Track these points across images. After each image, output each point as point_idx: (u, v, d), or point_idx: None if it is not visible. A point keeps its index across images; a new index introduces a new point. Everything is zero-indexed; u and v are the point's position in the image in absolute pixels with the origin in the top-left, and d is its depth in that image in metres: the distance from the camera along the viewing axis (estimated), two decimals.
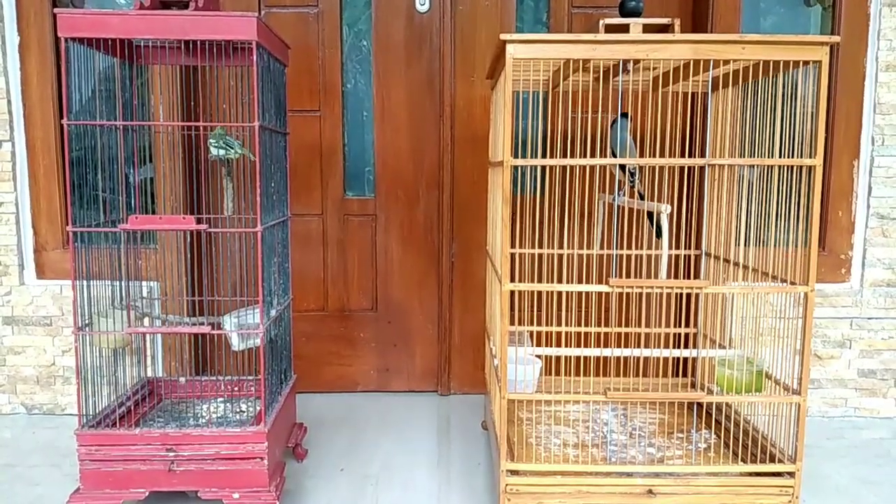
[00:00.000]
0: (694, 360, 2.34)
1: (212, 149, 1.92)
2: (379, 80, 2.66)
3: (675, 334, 2.23)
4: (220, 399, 2.19)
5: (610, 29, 1.67)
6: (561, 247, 2.20)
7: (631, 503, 1.70)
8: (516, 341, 2.12)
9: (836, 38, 1.61)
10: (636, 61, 1.66)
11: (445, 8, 2.59)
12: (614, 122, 1.97)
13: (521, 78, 2.05)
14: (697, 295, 2.16)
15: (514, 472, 1.72)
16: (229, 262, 2.42)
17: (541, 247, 2.25)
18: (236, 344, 1.99)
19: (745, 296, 1.93)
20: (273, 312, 1.93)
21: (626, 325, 2.05)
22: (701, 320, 2.20)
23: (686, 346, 2.29)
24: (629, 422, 2.13)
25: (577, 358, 2.04)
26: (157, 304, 2.42)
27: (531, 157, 1.71)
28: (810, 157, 1.64)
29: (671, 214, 1.88)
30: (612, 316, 1.91)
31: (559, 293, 2.01)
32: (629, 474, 1.72)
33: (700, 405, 2.18)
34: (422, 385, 2.81)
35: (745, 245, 1.89)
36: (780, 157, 1.71)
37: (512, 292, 1.70)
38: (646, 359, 2.26)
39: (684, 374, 2.43)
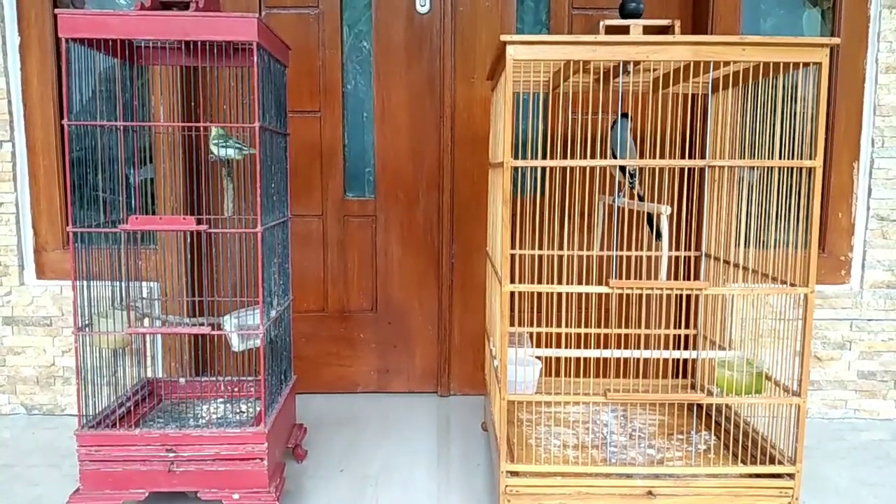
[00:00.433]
0: (694, 361, 2.34)
1: (218, 150, 1.92)
2: (379, 81, 2.66)
3: (674, 336, 2.23)
4: (220, 400, 2.19)
5: (610, 30, 1.67)
6: (561, 248, 2.20)
7: None
8: (516, 342, 2.12)
9: (836, 40, 1.61)
10: (636, 63, 1.66)
11: (446, 9, 2.59)
12: (614, 122, 1.98)
13: (522, 79, 2.05)
14: (697, 296, 2.16)
15: (514, 474, 1.72)
16: (229, 263, 2.42)
17: (541, 248, 2.25)
18: (236, 345, 1.99)
19: (745, 297, 1.93)
20: (273, 313, 1.93)
21: (626, 327, 2.05)
22: (701, 322, 2.20)
23: (686, 348, 2.29)
24: (629, 423, 2.13)
25: (577, 359, 2.04)
26: (157, 305, 2.42)
27: (531, 158, 1.71)
28: (810, 158, 1.64)
29: (671, 216, 1.88)
30: (612, 317, 1.91)
31: (559, 294, 2.01)
32: (629, 476, 1.72)
33: (700, 406, 2.18)
34: (422, 386, 2.81)
35: (744, 246, 1.89)
36: (780, 158, 1.71)
37: (512, 293, 1.70)
38: (646, 360, 2.26)
39: (684, 376, 2.43)
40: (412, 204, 2.72)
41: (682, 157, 2.49)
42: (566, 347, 2.03)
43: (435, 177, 2.69)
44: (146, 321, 2.13)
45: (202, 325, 1.95)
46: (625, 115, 1.95)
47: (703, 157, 2.31)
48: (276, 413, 1.90)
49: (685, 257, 2.32)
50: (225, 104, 2.44)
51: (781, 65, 1.63)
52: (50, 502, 1.95)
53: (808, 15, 2.57)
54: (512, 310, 1.73)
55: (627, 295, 1.70)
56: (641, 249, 2.20)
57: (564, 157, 2.39)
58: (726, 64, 1.71)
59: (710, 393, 2.07)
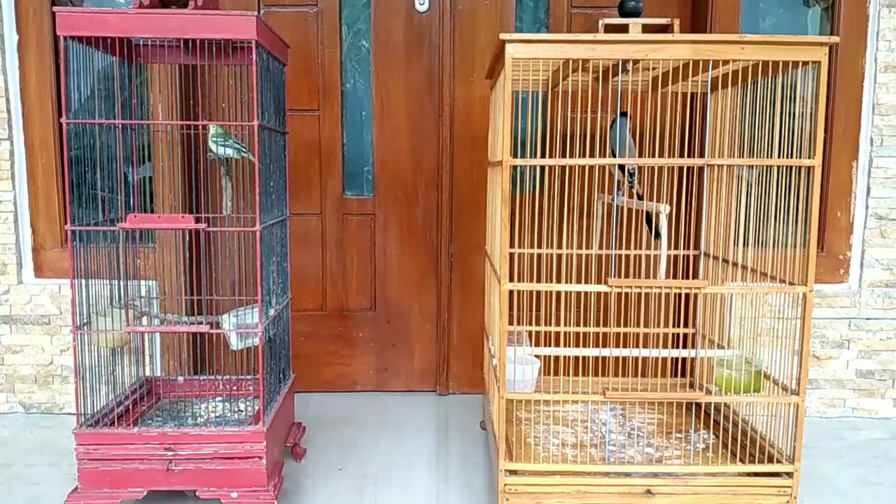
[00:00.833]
0: (692, 360, 2.34)
1: (217, 147, 1.92)
2: (378, 80, 2.66)
3: (673, 334, 2.24)
4: (218, 398, 2.19)
5: (609, 29, 1.67)
6: (560, 247, 2.20)
7: (629, 503, 1.70)
8: (515, 341, 2.12)
9: (835, 39, 1.61)
10: (635, 61, 1.66)
11: (445, 8, 2.59)
12: (613, 121, 1.97)
13: (521, 78, 2.05)
14: (696, 295, 2.17)
15: (513, 472, 1.72)
16: (228, 262, 2.42)
17: (539, 247, 2.25)
18: (235, 343, 1.99)
19: (744, 296, 1.93)
20: (272, 312, 1.93)
21: (625, 325, 2.06)
22: (699, 320, 2.20)
23: (685, 347, 2.29)
24: (628, 422, 2.13)
25: (576, 358, 2.04)
26: (156, 303, 2.42)
27: (530, 156, 1.71)
28: (809, 157, 1.64)
29: (670, 214, 1.88)
30: (610, 316, 1.91)
31: (558, 293, 2.01)
32: (628, 474, 1.72)
33: (699, 405, 2.18)
34: (420, 385, 2.81)
35: (743, 245, 1.89)
36: (778, 157, 1.71)
37: (511, 292, 1.70)
38: (644, 359, 2.26)
39: (683, 375, 2.44)
40: (411, 203, 2.71)
41: (681, 155, 2.49)
42: (565, 346, 2.04)
43: (434, 175, 2.69)
44: (144, 320, 2.13)
45: (201, 323, 1.95)
46: (623, 114, 1.95)
47: (702, 155, 2.31)
48: (275, 412, 1.90)
49: (684, 256, 2.32)
50: (224, 102, 2.44)
51: (780, 63, 1.63)
52: (48, 501, 1.95)
53: (812, 13, 2.57)
54: (511, 308, 1.73)
55: (626, 294, 1.70)
56: (640, 248, 2.20)
57: (563, 155, 2.39)
58: (725, 63, 1.70)
59: (708, 392, 2.07)
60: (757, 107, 1.81)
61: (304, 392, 2.72)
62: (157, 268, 2.50)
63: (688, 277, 2.40)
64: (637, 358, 2.10)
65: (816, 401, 2.61)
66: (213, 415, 2.08)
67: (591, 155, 2.20)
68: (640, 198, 2.04)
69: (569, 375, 2.14)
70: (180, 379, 2.21)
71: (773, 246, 1.76)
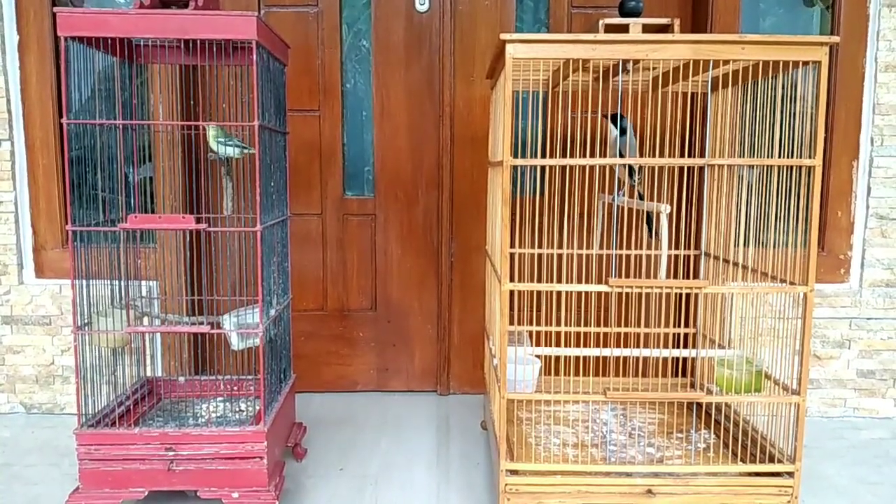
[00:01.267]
0: (693, 360, 2.34)
1: (220, 147, 1.92)
2: (378, 80, 2.66)
3: (674, 334, 2.24)
4: (219, 398, 2.19)
5: (609, 29, 1.67)
6: (560, 247, 2.20)
7: (630, 503, 1.70)
8: (515, 341, 2.12)
9: (835, 39, 1.61)
10: (636, 61, 1.66)
11: (445, 8, 2.59)
12: (624, 131, 1.96)
13: (521, 78, 2.05)
14: (697, 295, 2.16)
15: (514, 472, 1.72)
16: (229, 262, 2.42)
17: (540, 247, 2.25)
18: (236, 343, 1.99)
19: (745, 296, 1.93)
20: (272, 312, 1.93)
21: (626, 325, 2.06)
22: (700, 320, 2.20)
23: (685, 346, 2.29)
24: (628, 422, 2.13)
25: (577, 358, 2.04)
26: (157, 304, 2.42)
27: (531, 156, 1.71)
28: (810, 157, 1.64)
29: (670, 214, 1.88)
30: (611, 316, 1.91)
31: (558, 293, 2.01)
32: (628, 474, 1.72)
33: (699, 405, 2.18)
34: (421, 385, 2.81)
35: (744, 245, 1.89)
36: (779, 157, 1.71)
37: (511, 292, 1.70)
38: (645, 359, 2.27)
39: (683, 374, 2.44)
40: (411, 203, 2.71)
41: (682, 155, 2.49)
42: (565, 346, 2.04)
43: (434, 176, 2.69)
44: (145, 320, 2.13)
45: (201, 323, 1.95)
46: (623, 119, 1.95)
47: (702, 155, 2.31)
48: (276, 412, 1.90)
49: (684, 256, 2.32)
50: (224, 103, 2.44)
51: (781, 63, 1.63)
52: (49, 501, 1.95)
53: (812, 13, 2.57)
54: (511, 308, 1.73)
55: (627, 293, 1.70)
56: (641, 248, 2.20)
57: (564, 155, 2.39)
58: (726, 62, 1.70)
59: (709, 391, 2.07)
60: (757, 107, 1.81)
61: (305, 392, 2.72)
62: (157, 268, 2.50)
63: (688, 277, 2.40)
64: (638, 358, 2.10)
65: (817, 400, 2.61)
66: (214, 415, 2.08)
67: (592, 155, 2.20)
68: (641, 197, 2.04)
69: (569, 375, 2.14)
70: (181, 379, 2.21)
71: (774, 246, 1.76)
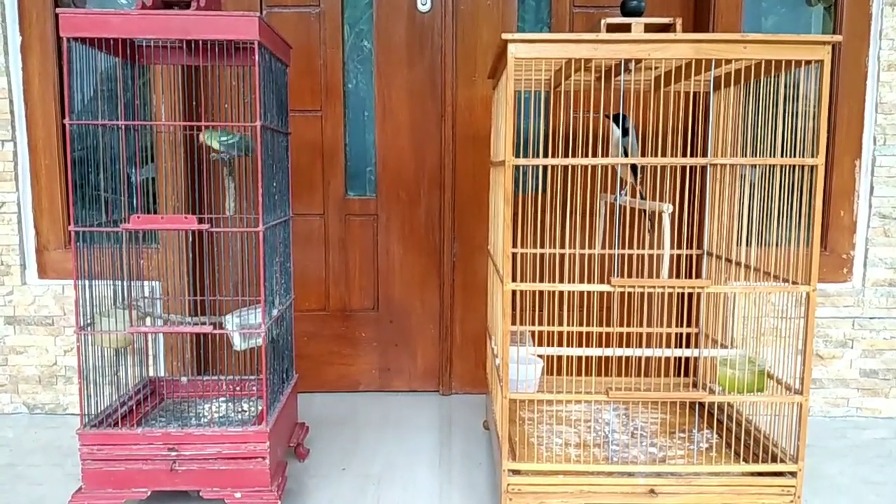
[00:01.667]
0: (696, 359, 2.34)
1: (221, 146, 1.92)
2: (380, 80, 2.66)
3: (676, 334, 2.23)
4: (221, 399, 2.19)
5: (611, 28, 1.67)
6: (563, 246, 2.20)
7: (633, 503, 1.70)
8: (518, 341, 2.12)
9: (837, 38, 1.61)
10: (638, 61, 1.66)
11: (447, 8, 2.59)
12: (626, 132, 1.96)
13: (523, 77, 2.04)
14: (699, 294, 2.16)
15: (516, 472, 1.72)
16: (231, 262, 2.42)
17: (542, 246, 2.25)
18: (238, 343, 1.99)
19: (747, 295, 1.93)
20: (275, 312, 1.93)
21: (628, 325, 2.05)
22: (703, 320, 2.20)
23: (688, 346, 2.29)
24: (631, 421, 2.13)
25: (579, 358, 2.04)
26: (159, 304, 2.43)
27: (533, 156, 1.71)
28: (812, 156, 1.64)
29: (673, 214, 1.88)
30: (613, 315, 1.91)
31: (561, 293, 2.01)
32: (631, 474, 1.72)
33: (702, 405, 2.18)
34: (423, 385, 2.81)
35: (746, 244, 1.89)
36: (781, 156, 1.70)
37: (513, 292, 1.70)
38: (647, 358, 2.26)
39: (686, 374, 2.43)
40: (413, 203, 2.72)
41: (684, 155, 2.49)
42: (568, 346, 2.03)
43: (436, 175, 2.69)
44: (148, 320, 2.13)
45: (204, 324, 1.95)
46: (625, 119, 1.95)
47: (704, 155, 2.31)
48: (278, 412, 1.90)
49: (687, 255, 2.31)
50: (226, 103, 2.45)
51: (783, 62, 1.63)
52: (52, 501, 1.96)
53: (814, 12, 2.57)
54: (513, 308, 1.73)
55: (629, 293, 1.70)
56: (643, 248, 2.20)
57: (566, 155, 2.39)
58: (728, 62, 1.70)
59: (711, 391, 2.07)
60: (760, 106, 1.81)
61: (308, 392, 2.72)
62: (160, 268, 2.50)
63: (691, 277, 2.40)
64: (640, 357, 2.10)
65: (820, 400, 2.60)
66: (216, 415, 2.08)
67: (594, 154, 2.20)
68: (642, 197, 2.04)
69: (572, 375, 2.13)
70: (184, 379, 2.21)
71: (777, 245, 1.75)
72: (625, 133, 1.95)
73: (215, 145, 1.94)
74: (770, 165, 1.72)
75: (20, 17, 2.47)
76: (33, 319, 2.57)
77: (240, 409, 2.11)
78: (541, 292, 2.05)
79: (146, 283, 2.44)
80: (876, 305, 2.55)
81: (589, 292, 1.80)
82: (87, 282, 1.80)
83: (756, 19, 2.60)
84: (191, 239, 2.50)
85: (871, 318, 2.56)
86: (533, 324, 2.24)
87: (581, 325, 2.16)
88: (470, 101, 2.64)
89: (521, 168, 1.90)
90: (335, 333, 2.78)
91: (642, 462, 1.86)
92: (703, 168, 2.19)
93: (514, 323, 1.84)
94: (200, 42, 1.75)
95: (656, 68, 1.96)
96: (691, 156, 2.49)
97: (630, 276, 2.21)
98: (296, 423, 2.23)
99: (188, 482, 1.76)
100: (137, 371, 2.14)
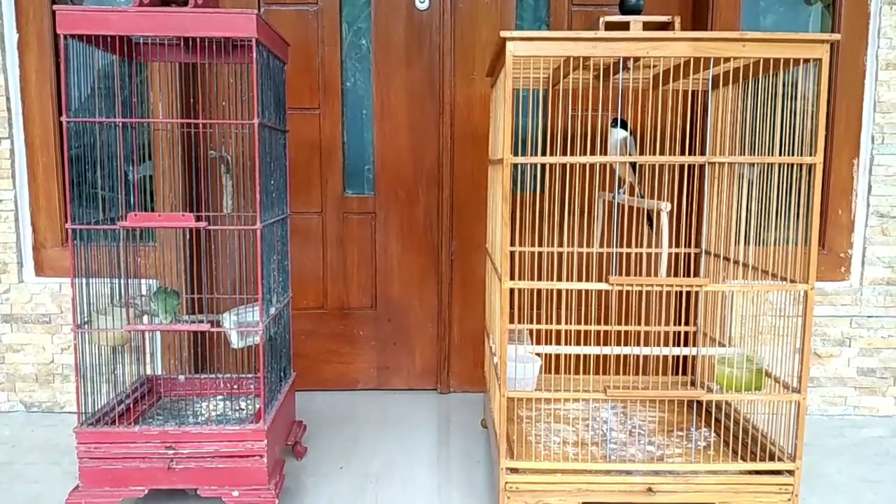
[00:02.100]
0: (694, 358, 2.34)
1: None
2: (378, 78, 2.66)
3: (674, 332, 2.23)
4: (219, 397, 2.19)
5: (610, 26, 1.67)
6: (561, 245, 2.20)
7: (631, 501, 1.70)
8: (516, 339, 2.12)
9: (836, 36, 1.61)
10: (636, 59, 1.66)
11: (445, 6, 2.59)
12: (627, 135, 1.96)
13: (521, 76, 2.04)
14: (697, 293, 2.16)
15: (514, 470, 1.72)
16: (228, 260, 2.41)
17: (540, 245, 2.25)
18: (235, 342, 1.99)
19: (745, 294, 1.93)
20: (272, 310, 1.93)
21: (626, 323, 2.06)
22: (701, 318, 2.20)
23: (686, 345, 2.29)
24: (629, 420, 2.13)
25: (577, 356, 2.04)
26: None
27: (531, 154, 1.71)
28: (810, 155, 1.64)
29: (671, 212, 1.88)
30: (611, 314, 1.91)
31: (559, 291, 2.01)
32: (629, 472, 1.72)
33: (700, 403, 2.18)
34: (421, 383, 2.81)
35: (744, 243, 1.89)
36: (780, 154, 1.71)
37: (511, 290, 1.70)
38: (645, 357, 2.26)
39: (684, 373, 2.43)
40: (412, 201, 2.71)
41: (683, 153, 2.49)
42: (566, 344, 2.03)
43: (434, 174, 2.69)
44: (145, 318, 2.13)
45: (201, 322, 1.95)
46: (623, 122, 1.95)
47: (703, 153, 2.31)
48: (276, 410, 1.90)
49: (685, 254, 2.31)
50: (224, 101, 2.44)
51: (781, 61, 1.63)
52: (49, 500, 1.95)
53: (813, 11, 2.57)
54: (512, 307, 1.73)
55: (627, 291, 1.70)
56: (641, 246, 2.20)
57: (564, 153, 2.39)
58: (726, 60, 1.70)
59: (709, 390, 2.07)
60: (758, 104, 1.81)
61: (305, 390, 2.72)
62: (157, 266, 2.50)
63: (689, 275, 2.40)
64: (638, 356, 2.10)
65: (818, 399, 2.61)
66: (213, 413, 2.08)
67: (592, 153, 2.20)
68: (641, 196, 2.04)
69: (570, 373, 2.14)
70: (181, 377, 2.21)
71: (775, 244, 1.75)
72: (627, 133, 1.95)
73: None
74: (768, 164, 1.72)
75: (17, 13, 2.46)
76: (30, 317, 2.57)
77: (237, 408, 2.11)
78: (539, 291, 2.05)
79: (143, 280, 2.43)
80: (874, 304, 2.56)
81: (587, 291, 1.80)
82: (84, 280, 1.79)
83: (754, 18, 2.60)
84: (188, 237, 2.50)
85: (868, 317, 2.56)
86: (531, 322, 2.24)
87: (579, 323, 2.16)
88: (468, 100, 2.64)
89: (519, 166, 1.91)
90: (333, 332, 2.77)
91: (640, 460, 1.86)
92: (702, 166, 2.19)
93: (512, 321, 1.84)
94: (198, 39, 1.75)
95: (655, 66, 1.96)
96: (690, 154, 2.49)
97: (628, 274, 2.21)
98: (294, 422, 2.23)
99: (185, 480, 1.76)
100: (135, 369, 2.14)
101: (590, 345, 1.92)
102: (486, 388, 2.30)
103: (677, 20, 1.69)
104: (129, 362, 2.09)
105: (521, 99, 2.05)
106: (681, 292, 2.14)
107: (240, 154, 2.40)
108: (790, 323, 1.74)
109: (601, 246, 2.21)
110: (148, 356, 2.53)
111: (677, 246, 2.29)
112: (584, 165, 1.93)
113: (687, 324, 2.22)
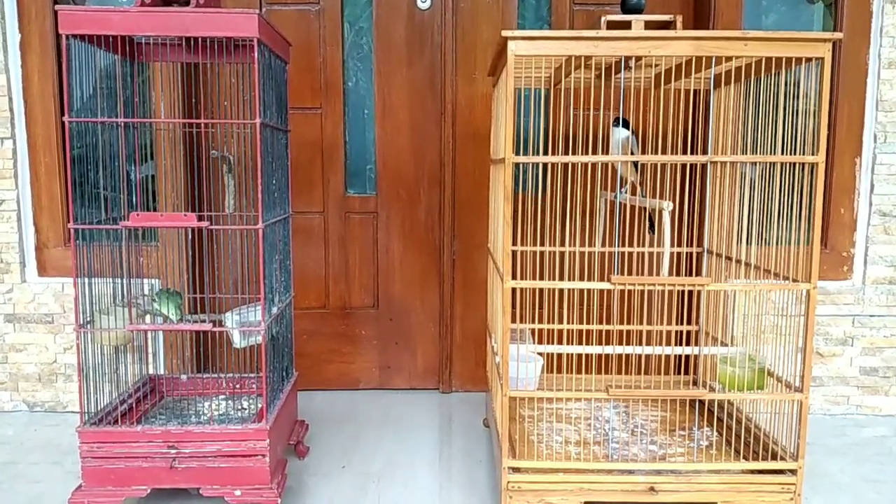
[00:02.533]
0: (696, 357, 2.33)
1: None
2: (380, 78, 2.66)
3: (676, 332, 2.23)
4: (221, 396, 2.19)
5: (612, 25, 1.67)
6: (563, 244, 2.20)
7: (633, 500, 1.70)
8: (518, 339, 2.12)
9: (838, 35, 1.61)
10: (638, 58, 1.66)
11: (447, 5, 2.59)
12: (633, 131, 1.96)
13: (523, 75, 2.04)
14: (699, 292, 2.16)
15: (516, 470, 1.72)
16: (231, 260, 2.42)
17: (542, 244, 2.25)
18: (238, 341, 1.99)
19: (747, 293, 1.93)
20: (274, 310, 1.93)
21: (628, 323, 2.05)
22: (703, 318, 2.20)
23: (688, 344, 2.28)
24: (631, 419, 2.13)
25: (579, 355, 2.04)
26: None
27: (533, 154, 1.71)
28: (812, 154, 1.64)
29: (673, 212, 1.88)
30: (613, 313, 1.91)
31: (561, 290, 2.01)
32: (631, 472, 1.72)
33: (702, 402, 2.18)
34: (423, 382, 2.81)
35: (747, 242, 1.88)
36: (782, 154, 1.70)
37: (513, 290, 1.69)
38: (647, 356, 2.26)
39: (686, 372, 2.43)
40: (413, 201, 2.71)
41: (685, 152, 2.49)
42: (568, 344, 2.03)
43: (436, 173, 2.69)
44: (147, 318, 2.13)
45: (204, 321, 1.95)
46: (625, 124, 1.94)
47: (705, 152, 2.30)
48: (278, 410, 1.90)
49: (687, 253, 2.31)
50: (226, 101, 2.44)
51: (784, 60, 1.62)
52: (52, 499, 1.96)
53: (815, 9, 2.56)
54: (513, 306, 1.73)
55: (629, 291, 1.70)
56: (643, 246, 2.20)
57: (566, 152, 2.39)
58: (728, 59, 1.70)
59: (712, 389, 2.07)
60: (760, 103, 1.81)
61: (307, 390, 2.72)
62: (159, 266, 2.50)
63: (691, 275, 2.40)
64: (640, 355, 2.10)
65: (820, 398, 2.60)
66: (216, 413, 2.08)
67: (594, 152, 2.19)
68: (643, 195, 2.03)
69: (572, 373, 2.14)
70: (183, 377, 2.21)
71: (777, 243, 1.75)
72: (630, 133, 1.95)
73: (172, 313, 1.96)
74: (770, 163, 1.72)
75: (19, 13, 2.47)
76: (33, 317, 2.57)
77: (239, 407, 2.11)
78: (541, 290, 2.05)
79: (146, 280, 2.43)
80: (876, 303, 2.55)
81: (589, 290, 1.80)
82: (86, 279, 1.80)
83: (756, 17, 2.59)
84: (190, 237, 2.50)
85: (871, 316, 2.56)
86: (533, 321, 2.24)
87: (581, 322, 2.16)
88: (470, 99, 2.64)
89: (521, 166, 1.90)
90: (335, 331, 2.78)
91: (642, 460, 1.86)
92: (704, 166, 2.19)
93: (514, 321, 1.84)
94: (200, 39, 1.75)
95: (656, 66, 1.95)
96: (692, 153, 2.49)
97: (630, 273, 2.21)
98: (296, 421, 2.23)
99: (188, 480, 1.76)
100: (137, 369, 2.14)
101: (592, 344, 1.92)
102: (487, 387, 2.31)
103: (679, 19, 1.69)
104: (131, 362, 2.09)
105: (522, 98, 2.05)
106: (683, 292, 2.14)
107: (242, 154, 2.40)
108: (792, 322, 1.74)
109: (603, 245, 2.21)
110: (150, 356, 2.53)
111: (679, 245, 2.29)
112: (586, 165, 1.93)
113: (689, 323, 2.22)
